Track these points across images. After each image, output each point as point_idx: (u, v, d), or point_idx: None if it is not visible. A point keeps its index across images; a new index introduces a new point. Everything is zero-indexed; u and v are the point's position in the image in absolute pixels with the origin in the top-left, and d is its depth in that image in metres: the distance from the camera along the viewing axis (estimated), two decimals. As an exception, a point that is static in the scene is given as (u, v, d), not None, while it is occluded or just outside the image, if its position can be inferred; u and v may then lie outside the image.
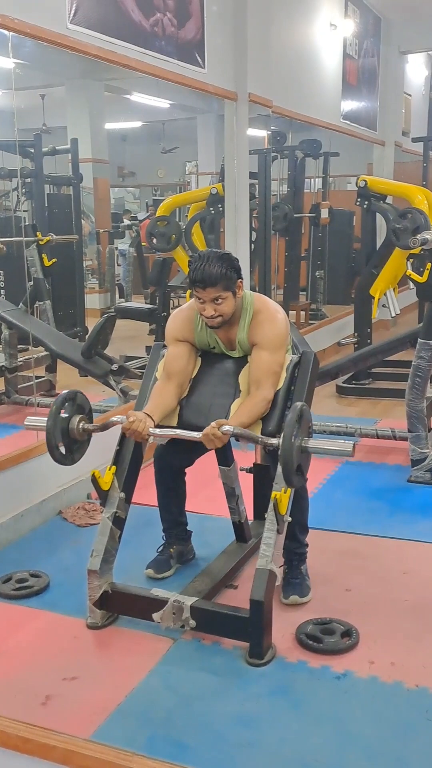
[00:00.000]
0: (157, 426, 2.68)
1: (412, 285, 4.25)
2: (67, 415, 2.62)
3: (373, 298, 5.93)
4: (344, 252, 8.92)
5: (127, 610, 2.67)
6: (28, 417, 2.71)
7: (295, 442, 2.36)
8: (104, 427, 2.67)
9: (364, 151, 9.02)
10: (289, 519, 2.54)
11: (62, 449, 2.62)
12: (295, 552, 2.89)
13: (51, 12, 3.43)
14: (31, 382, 4.99)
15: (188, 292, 5.87)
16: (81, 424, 2.64)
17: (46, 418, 2.57)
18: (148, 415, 2.64)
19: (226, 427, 2.50)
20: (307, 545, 2.94)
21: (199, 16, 4.73)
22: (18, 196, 6.76)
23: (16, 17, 3.19)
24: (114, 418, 2.66)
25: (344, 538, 3.37)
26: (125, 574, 2.84)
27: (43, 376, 5.34)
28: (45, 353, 5.14)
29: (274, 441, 2.48)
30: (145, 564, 3.03)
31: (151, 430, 2.61)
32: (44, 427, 2.56)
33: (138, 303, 7.94)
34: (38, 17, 3.32)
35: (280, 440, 2.38)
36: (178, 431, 2.67)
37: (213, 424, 2.51)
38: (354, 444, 2.46)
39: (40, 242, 5.31)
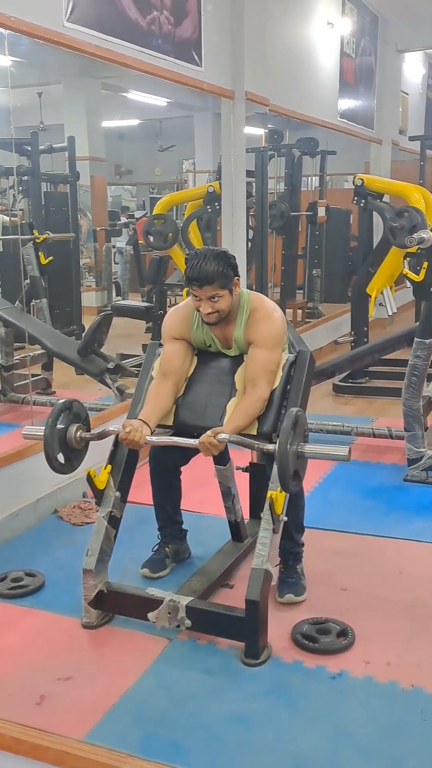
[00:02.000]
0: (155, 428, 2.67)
1: (408, 284, 4.24)
2: (63, 426, 2.60)
3: (370, 296, 5.92)
4: (341, 250, 8.91)
5: (122, 609, 2.67)
6: (26, 427, 2.69)
7: (291, 448, 2.39)
8: (101, 435, 2.66)
9: (361, 150, 9.02)
10: (285, 518, 2.54)
11: (61, 458, 2.61)
12: (290, 551, 2.88)
13: (47, 10, 3.42)
14: (27, 380, 4.98)
15: (185, 290, 5.86)
16: (78, 433, 2.63)
17: (43, 428, 2.56)
18: (143, 422, 2.64)
19: (222, 435, 2.52)
20: (302, 544, 2.93)
21: (196, 14, 4.72)
22: (15, 194, 6.73)
23: (13, 15, 3.19)
24: (111, 428, 2.66)
25: (340, 537, 3.37)
26: (121, 574, 2.84)
27: (40, 375, 5.33)
28: (41, 351, 5.14)
29: (270, 447, 2.49)
30: (141, 563, 3.02)
31: (147, 438, 2.62)
32: (42, 437, 2.55)
33: (135, 301, 7.93)
34: (35, 15, 3.31)
35: (276, 446, 2.39)
36: (175, 438, 2.67)
37: (209, 432, 2.52)
38: (349, 448, 2.47)
39: (37, 240, 5.30)
